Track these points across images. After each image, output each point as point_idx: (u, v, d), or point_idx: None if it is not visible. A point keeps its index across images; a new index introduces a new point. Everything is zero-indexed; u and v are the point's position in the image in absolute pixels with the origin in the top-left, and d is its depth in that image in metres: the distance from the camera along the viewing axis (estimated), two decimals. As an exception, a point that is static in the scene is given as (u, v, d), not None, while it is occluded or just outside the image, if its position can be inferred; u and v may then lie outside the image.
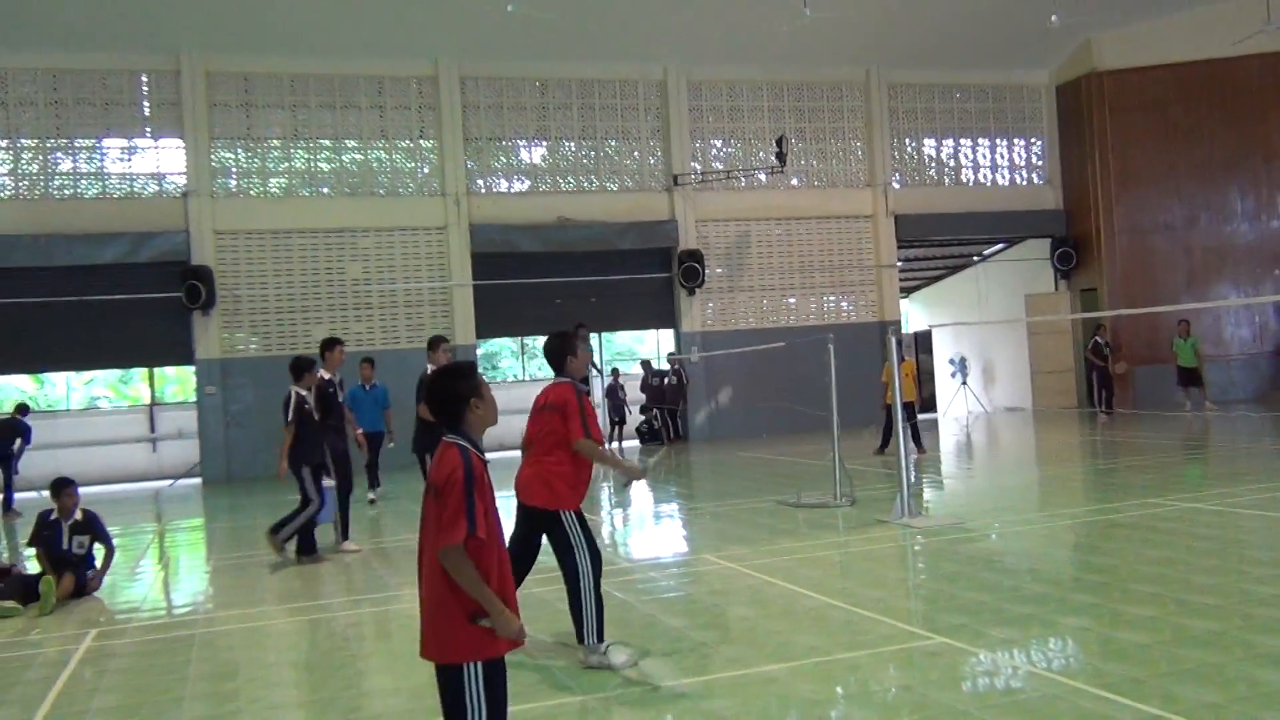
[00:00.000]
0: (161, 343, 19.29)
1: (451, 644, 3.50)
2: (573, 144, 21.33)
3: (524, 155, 21.21)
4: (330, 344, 10.29)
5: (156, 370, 20.89)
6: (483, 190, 20.69)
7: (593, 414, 6.05)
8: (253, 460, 18.50)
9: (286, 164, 19.86)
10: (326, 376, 10.00)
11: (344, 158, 20.18)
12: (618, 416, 20.65)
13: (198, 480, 18.91)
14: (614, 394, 20.78)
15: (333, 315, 19.49)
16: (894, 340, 10.50)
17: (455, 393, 3.70)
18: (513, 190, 21.05)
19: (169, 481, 19.24)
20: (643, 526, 11.24)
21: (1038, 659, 5.51)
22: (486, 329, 20.55)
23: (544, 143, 21.21)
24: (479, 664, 3.50)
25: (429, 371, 9.67)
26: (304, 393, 9.74)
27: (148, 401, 20.71)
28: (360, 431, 12.81)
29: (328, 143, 20.06)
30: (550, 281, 20.79)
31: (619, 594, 7.54)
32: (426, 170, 20.42)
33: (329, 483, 9.92)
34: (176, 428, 20.06)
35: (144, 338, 19.17)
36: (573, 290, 20.98)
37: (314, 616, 7.64)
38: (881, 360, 18.40)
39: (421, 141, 20.44)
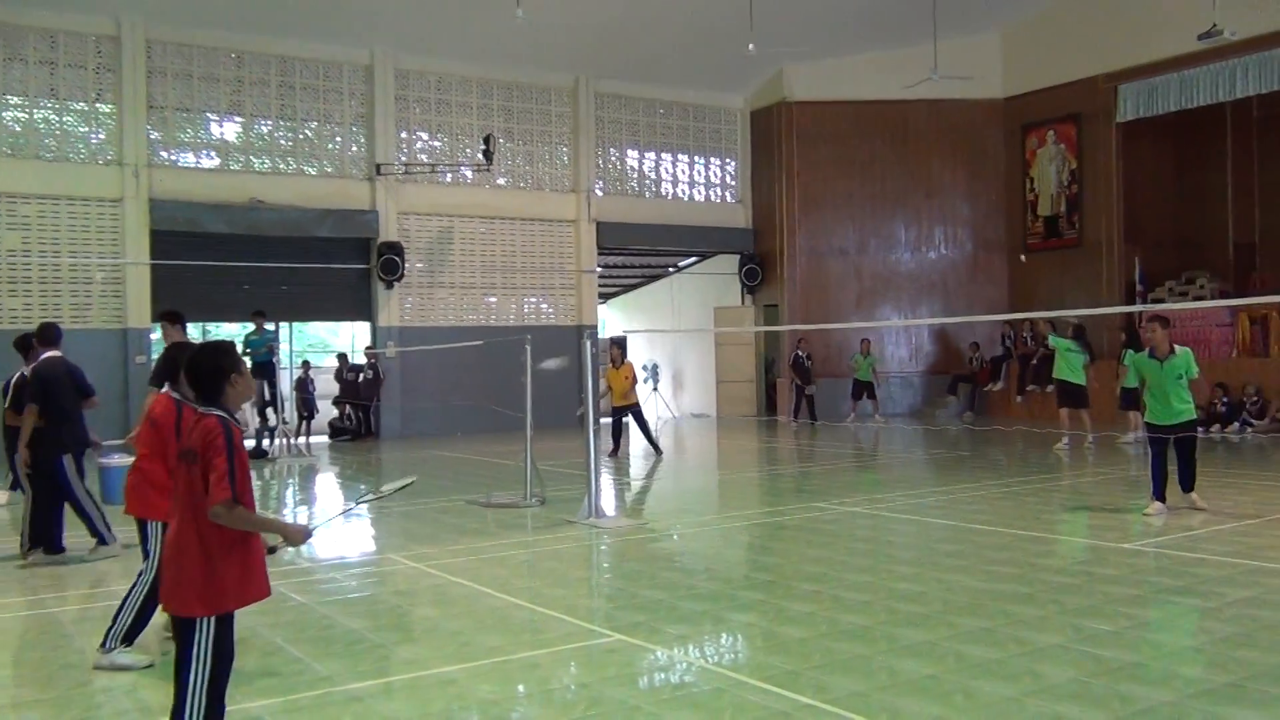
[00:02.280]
0: None
1: (189, 599, 3.82)
2: (269, 123, 20.30)
3: (215, 130, 19.96)
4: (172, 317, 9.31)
5: None
6: (166, 163, 19.30)
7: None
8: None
9: (-67, 116, 17.72)
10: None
11: (4, 115, 18.20)
12: (307, 411, 19.86)
13: None
14: (304, 387, 19.97)
15: (-17, 288, 17.56)
16: (589, 344, 10.71)
17: (219, 367, 3.99)
18: (201, 166, 19.76)
19: None
20: (328, 525, 10.86)
21: (709, 654, 5.78)
22: (165, 309, 19.11)
23: (237, 118, 20.05)
24: (212, 619, 3.83)
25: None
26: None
27: None
28: None
29: (-15, 96, 18.08)
30: (238, 265, 19.65)
31: (297, 596, 7.25)
32: (102, 136, 18.78)
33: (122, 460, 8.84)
34: None
35: None
36: (263, 276, 19.94)
37: (34, 613, 6.87)
38: (579, 363, 18.69)
39: (98, 105, 18.78)
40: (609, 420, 16.79)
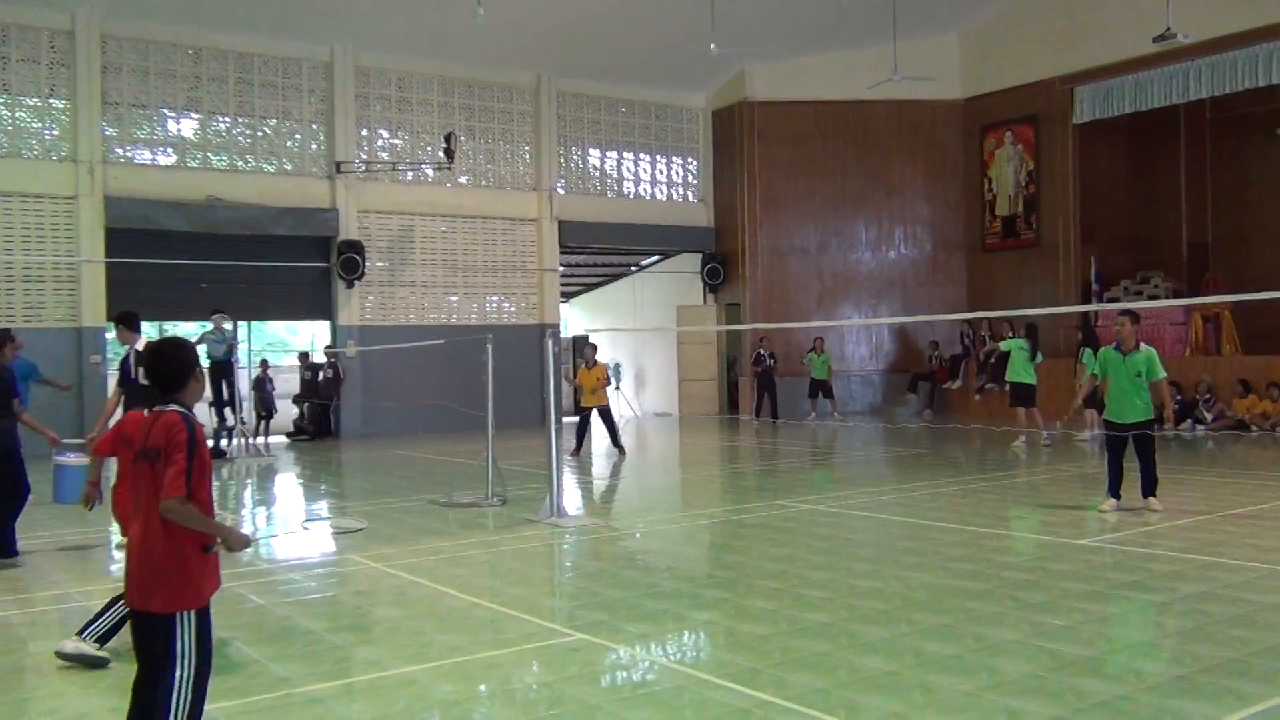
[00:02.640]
0: None
1: (167, 594, 3.77)
2: (227, 119, 20.08)
3: (171, 126, 19.71)
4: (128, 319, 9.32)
5: None
6: (122, 160, 19.04)
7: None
8: None
9: (-120, 110, 17.36)
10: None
11: (-45, 110, 17.91)
12: (265, 410, 19.65)
13: None
14: (261, 386, 19.77)
15: (-67, 286, 17.24)
16: (550, 343, 10.69)
17: (185, 361, 4.01)
18: (157, 163, 19.52)
19: None
20: (287, 526, 10.77)
21: (670, 652, 5.80)
22: (121, 311, 18.79)
23: (195, 115, 19.81)
24: (193, 614, 3.81)
25: None
26: None
27: None
28: None
29: (-65, 91, 17.75)
30: (196, 264, 19.40)
31: (256, 597, 7.19)
32: (56, 132, 18.49)
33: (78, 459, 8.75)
34: None
35: None
36: (221, 275, 19.71)
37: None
38: (542, 361, 18.68)
39: (52, 100, 18.49)
40: (575, 419, 16.82)
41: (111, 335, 17.90)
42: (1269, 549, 7.98)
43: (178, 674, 3.79)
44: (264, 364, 20.24)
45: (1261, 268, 21.13)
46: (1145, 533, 8.80)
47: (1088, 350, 16.70)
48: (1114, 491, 9.84)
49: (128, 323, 9.51)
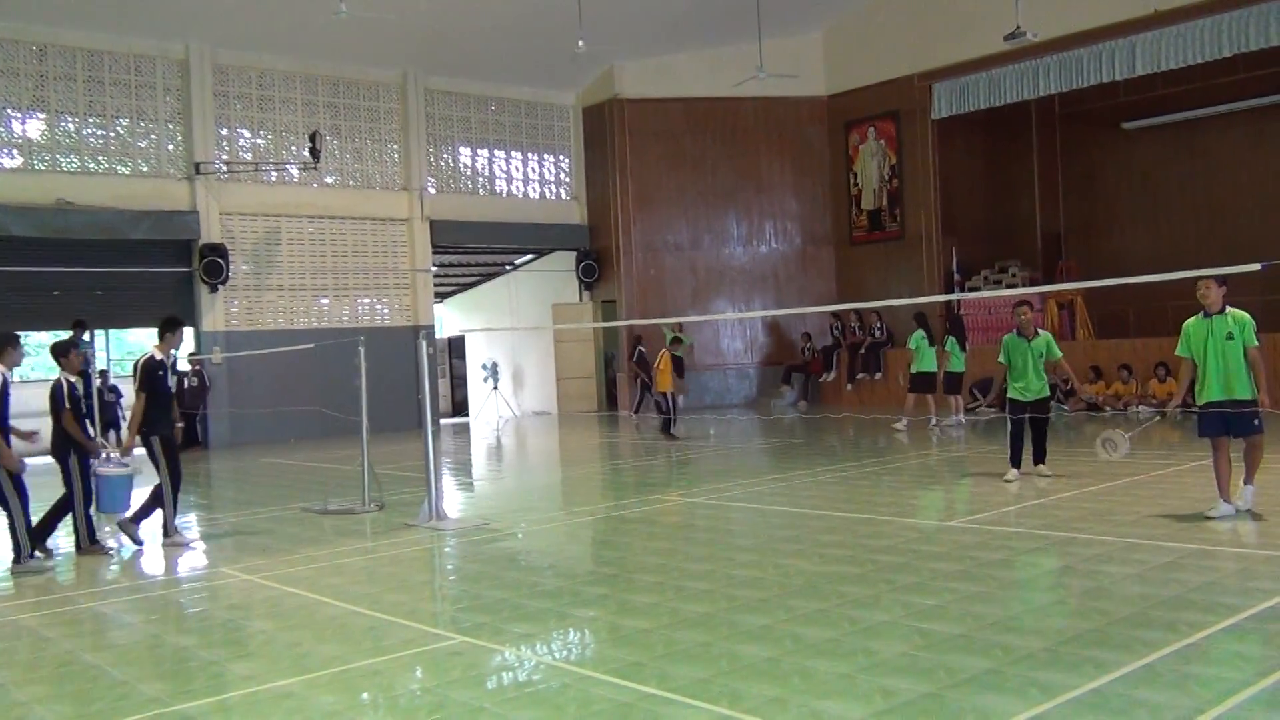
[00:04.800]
0: None
1: None
2: (76, 119, 19.23)
3: (16, 127, 18.77)
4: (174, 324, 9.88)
5: None
6: (-37, 163, 18.08)
7: None
8: None
9: None
10: (159, 357, 9.62)
11: None
12: (110, 420, 18.76)
13: None
14: (100, 397, 18.85)
15: None
16: (424, 344, 10.55)
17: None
18: (1, 165, 18.56)
19: None
20: (154, 540, 10.37)
21: (554, 650, 5.79)
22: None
23: (41, 115, 18.91)
24: None
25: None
26: (73, 379, 9.11)
27: None
28: None
29: None
30: (47, 271, 18.54)
31: (123, 616, 6.91)
32: (-112, 135, 17.46)
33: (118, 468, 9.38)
34: None
35: None
36: (75, 282, 18.88)
37: None
38: (416, 364, 18.38)
39: (-118, 100, 17.45)
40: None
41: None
42: (1122, 523, 8.39)
43: None
44: (103, 374, 19.32)
45: (1110, 254, 22.22)
46: (1010, 512, 9.15)
47: (952, 339, 17.34)
48: (1015, 462, 10.85)
49: (176, 329, 9.95)
